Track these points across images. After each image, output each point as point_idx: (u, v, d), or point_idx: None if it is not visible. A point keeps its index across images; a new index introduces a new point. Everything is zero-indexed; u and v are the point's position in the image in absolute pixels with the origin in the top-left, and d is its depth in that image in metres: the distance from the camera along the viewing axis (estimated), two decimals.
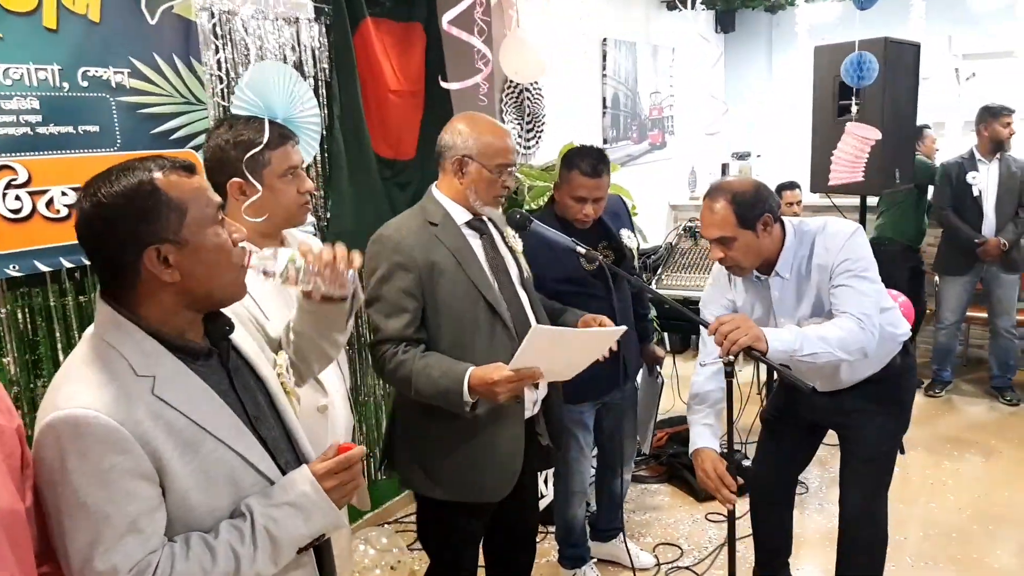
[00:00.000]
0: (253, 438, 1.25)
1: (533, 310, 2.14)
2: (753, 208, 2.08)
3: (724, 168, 6.40)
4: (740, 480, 2.24)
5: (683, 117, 6.14)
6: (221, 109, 2.64)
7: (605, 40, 4.94)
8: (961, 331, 5.08)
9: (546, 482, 3.37)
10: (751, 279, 2.25)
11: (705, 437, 2.26)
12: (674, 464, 3.80)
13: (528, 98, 3.85)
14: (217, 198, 1.24)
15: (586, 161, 2.51)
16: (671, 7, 5.68)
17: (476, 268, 2.01)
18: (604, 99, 4.99)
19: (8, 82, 2.11)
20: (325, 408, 1.95)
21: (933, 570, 3.03)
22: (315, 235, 2.82)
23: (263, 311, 1.74)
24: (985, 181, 4.54)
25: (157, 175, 1.16)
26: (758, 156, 6.50)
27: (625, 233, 2.78)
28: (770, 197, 2.14)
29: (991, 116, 4.50)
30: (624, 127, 5.29)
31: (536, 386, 2.05)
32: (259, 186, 1.72)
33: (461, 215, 2.05)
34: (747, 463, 3.77)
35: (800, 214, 4.97)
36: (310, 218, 2.86)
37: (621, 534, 3.11)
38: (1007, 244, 4.47)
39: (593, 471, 3.14)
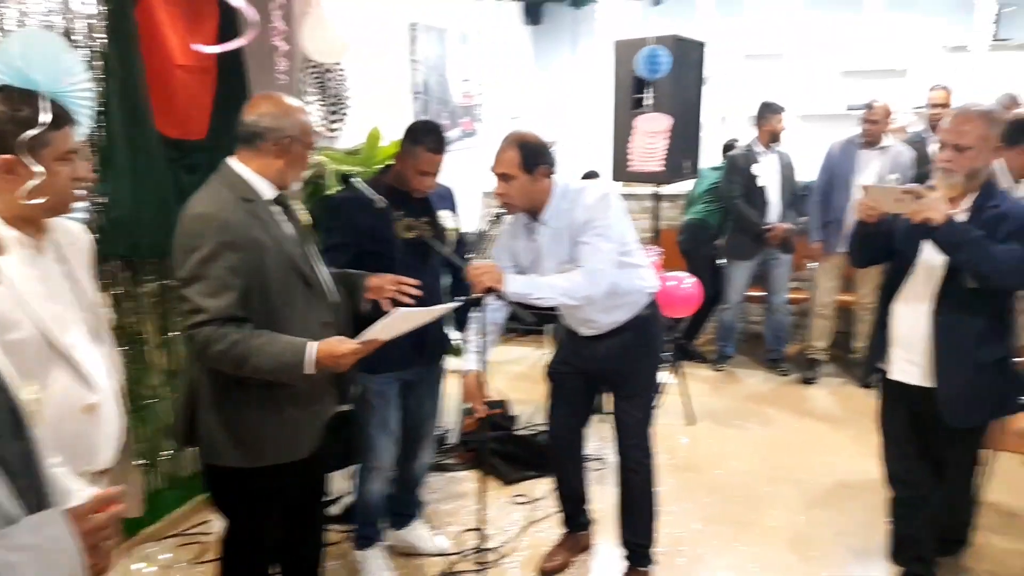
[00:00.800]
0: None
1: (326, 278, 2.21)
2: (535, 157, 2.49)
3: None
4: None
5: (492, 105, 6.23)
6: None
7: (414, 25, 4.89)
8: (742, 310, 5.56)
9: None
10: (527, 229, 2.64)
11: (472, 362, 2.69)
12: (482, 450, 3.86)
13: (331, 79, 3.72)
14: None
15: (431, 138, 2.65)
16: None
17: (290, 243, 2.07)
18: (414, 84, 4.94)
19: None
20: (93, 408, 1.76)
21: (718, 532, 3.30)
22: (86, 222, 2.56)
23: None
24: (767, 172, 4.98)
25: None
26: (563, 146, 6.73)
27: (445, 214, 2.82)
28: (550, 155, 2.55)
29: (771, 112, 4.95)
30: (435, 114, 5.27)
31: None
32: (40, 168, 1.61)
33: (268, 192, 2.06)
34: None
35: None
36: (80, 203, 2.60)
37: (416, 520, 3.14)
38: (792, 230, 4.93)
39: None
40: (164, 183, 2.94)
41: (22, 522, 1.08)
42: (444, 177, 2.81)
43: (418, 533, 3.15)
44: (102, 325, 1.86)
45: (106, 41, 2.72)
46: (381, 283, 2.28)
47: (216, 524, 3.10)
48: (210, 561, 2.97)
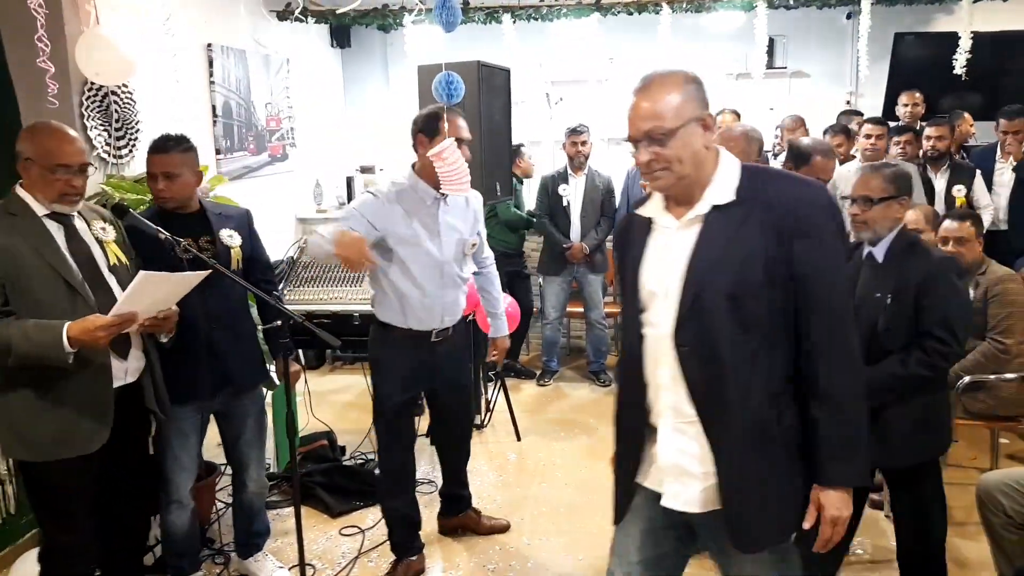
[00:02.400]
0: None
1: (124, 291, 2.29)
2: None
3: (349, 181, 6.45)
4: None
5: (304, 129, 6.07)
6: None
7: (210, 46, 4.66)
8: (564, 325, 5.74)
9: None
10: (429, 204, 2.84)
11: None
12: (307, 483, 3.71)
13: (116, 102, 3.45)
14: None
15: (156, 140, 2.64)
16: (282, 17, 5.57)
17: (54, 254, 2.26)
18: (214, 107, 4.70)
19: None
20: None
21: (546, 545, 3.35)
22: None
23: None
24: (573, 193, 5.21)
25: None
26: (381, 170, 6.67)
27: (225, 232, 2.74)
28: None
29: (567, 135, 5.22)
30: (240, 138, 5.05)
31: (125, 357, 2.37)
32: None
33: (40, 209, 2.29)
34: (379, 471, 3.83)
35: None
36: None
37: (259, 551, 3.10)
38: (588, 249, 5.18)
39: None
40: None
41: None
42: (244, 200, 2.76)
43: (261, 564, 3.09)
44: None
45: None
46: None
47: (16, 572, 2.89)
48: None
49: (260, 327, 2.94)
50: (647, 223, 1.75)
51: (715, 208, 1.63)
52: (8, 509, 3.10)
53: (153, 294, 2.25)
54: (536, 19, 5.67)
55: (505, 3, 5.62)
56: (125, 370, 2.39)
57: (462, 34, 3.50)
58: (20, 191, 2.29)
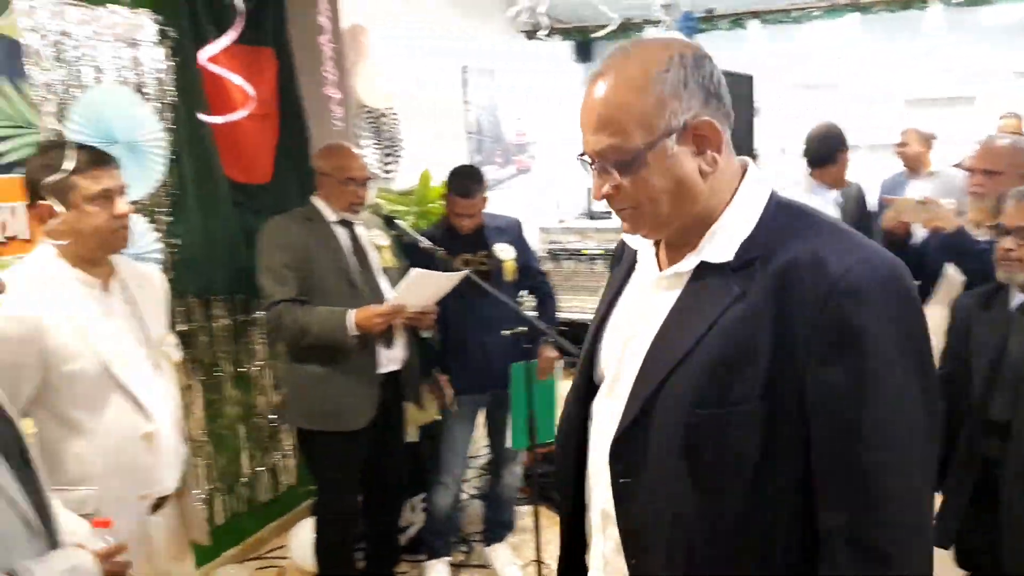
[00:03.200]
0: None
1: (393, 289, 2.64)
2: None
3: (589, 191, 6.60)
4: None
5: (547, 143, 6.33)
6: (55, 133, 2.52)
7: (466, 68, 5.04)
8: None
9: (413, 509, 3.37)
10: None
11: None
12: (546, 484, 3.82)
13: (385, 123, 3.89)
14: None
15: (458, 182, 2.92)
16: (530, 36, 5.88)
17: (339, 254, 2.64)
18: (467, 124, 5.09)
19: None
20: (150, 436, 1.84)
21: None
22: (160, 262, 2.72)
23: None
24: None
25: None
26: None
27: (499, 247, 2.97)
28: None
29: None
30: (489, 152, 5.40)
31: (389, 345, 2.65)
32: (62, 209, 1.73)
33: (331, 216, 2.68)
34: None
35: None
36: (156, 244, 2.77)
37: (500, 543, 3.25)
38: None
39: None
40: (231, 225, 3.10)
41: (56, 553, 1.26)
42: (508, 210, 3.01)
43: (498, 554, 3.26)
44: (163, 361, 1.96)
45: (175, 94, 2.91)
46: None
47: (293, 548, 3.23)
48: None
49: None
50: (633, 256, 1.20)
51: (705, 267, 1.04)
52: (290, 480, 3.58)
53: (421, 290, 2.55)
54: (785, 22, 5.46)
55: (752, 8, 5.48)
56: (389, 358, 2.68)
57: (702, 42, 3.49)
58: (316, 200, 2.70)
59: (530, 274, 3.11)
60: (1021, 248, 1.89)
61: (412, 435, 3.32)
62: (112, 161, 1.84)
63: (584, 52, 7.07)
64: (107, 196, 1.78)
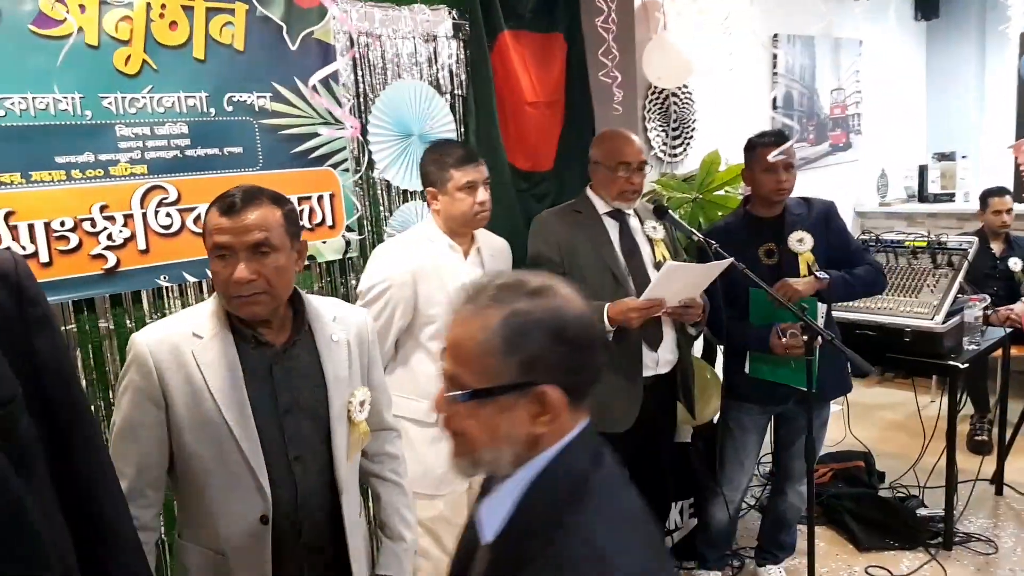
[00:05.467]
0: (252, 421, 1.51)
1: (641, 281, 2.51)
2: None
3: (922, 170, 5.77)
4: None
5: (873, 115, 5.60)
6: (359, 128, 2.74)
7: (776, 36, 4.61)
8: None
9: (681, 513, 3.21)
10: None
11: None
12: (835, 506, 3.44)
13: (675, 103, 3.67)
14: (257, 236, 1.47)
15: (766, 136, 2.71)
16: None
17: (606, 247, 2.54)
18: (774, 99, 4.66)
19: (161, 109, 2.32)
20: None
21: None
22: None
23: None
24: None
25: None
26: (963, 157, 5.79)
27: (795, 237, 2.66)
28: None
29: None
30: (801, 129, 4.91)
31: (655, 348, 2.52)
32: (446, 197, 2.28)
33: (602, 207, 2.59)
34: (924, 511, 3.38)
35: (1010, 224, 4.37)
36: None
37: (776, 565, 3.03)
38: None
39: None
40: (514, 211, 3.17)
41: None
42: (796, 193, 2.72)
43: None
44: None
45: (467, 86, 3.02)
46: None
47: None
48: None
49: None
50: None
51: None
52: None
53: (680, 282, 2.38)
54: None
55: None
56: (656, 360, 2.54)
57: None
58: (588, 192, 2.63)
59: (845, 262, 2.69)
60: None
61: (684, 436, 3.16)
62: (478, 158, 2.32)
63: (927, 9, 6.11)
64: (472, 187, 2.26)
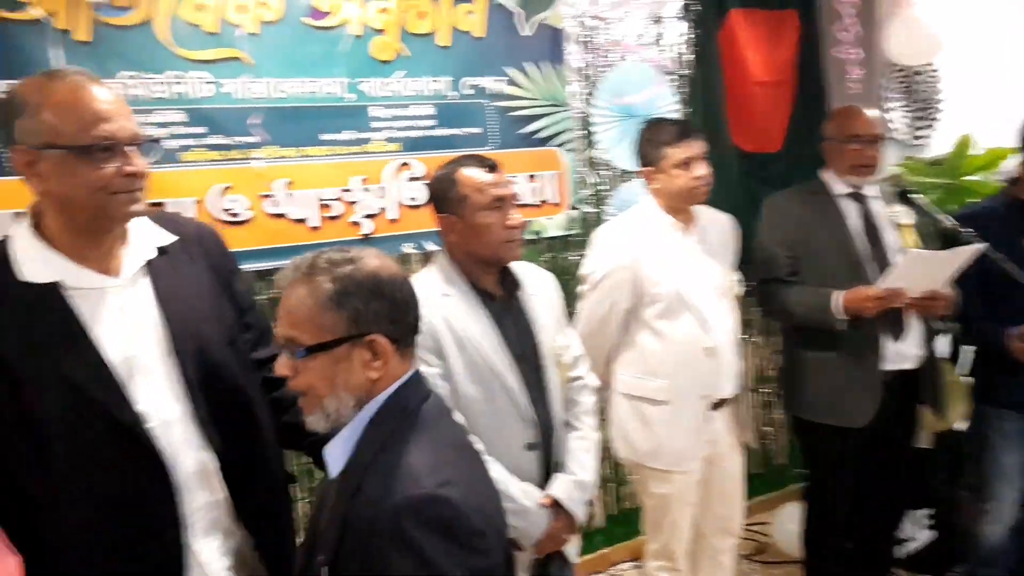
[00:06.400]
0: (512, 363, 1.72)
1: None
2: None
3: None
4: None
5: None
6: (583, 110, 2.85)
7: None
8: None
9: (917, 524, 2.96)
10: None
11: None
12: None
13: (920, 82, 3.40)
14: (500, 192, 1.70)
15: None
16: None
17: (841, 230, 2.39)
18: None
19: (411, 93, 2.55)
20: (712, 350, 2.21)
21: None
22: None
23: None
24: None
25: (459, 171, 1.72)
26: None
27: None
28: None
29: None
30: None
31: (897, 337, 2.33)
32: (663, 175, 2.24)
33: (838, 188, 2.45)
34: None
35: None
36: None
37: None
38: None
39: None
40: (736, 193, 3.10)
41: (525, 486, 1.71)
42: None
43: None
44: (726, 292, 2.31)
45: (693, 66, 3.02)
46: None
47: (775, 527, 3.19)
48: (763, 561, 3.15)
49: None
50: None
51: None
52: (781, 459, 3.47)
53: (923, 271, 2.20)
54: None
55: None
56: (900, 354, 2.36)
57: None
58: (823, 173, 2.51)
59: None
60: None
61: (925, 441, 2.91)
62: (694, 133, 2.25)
63: None
64: (688, 163, 2.20)
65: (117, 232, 1.35)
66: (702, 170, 2.23)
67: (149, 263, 1.38)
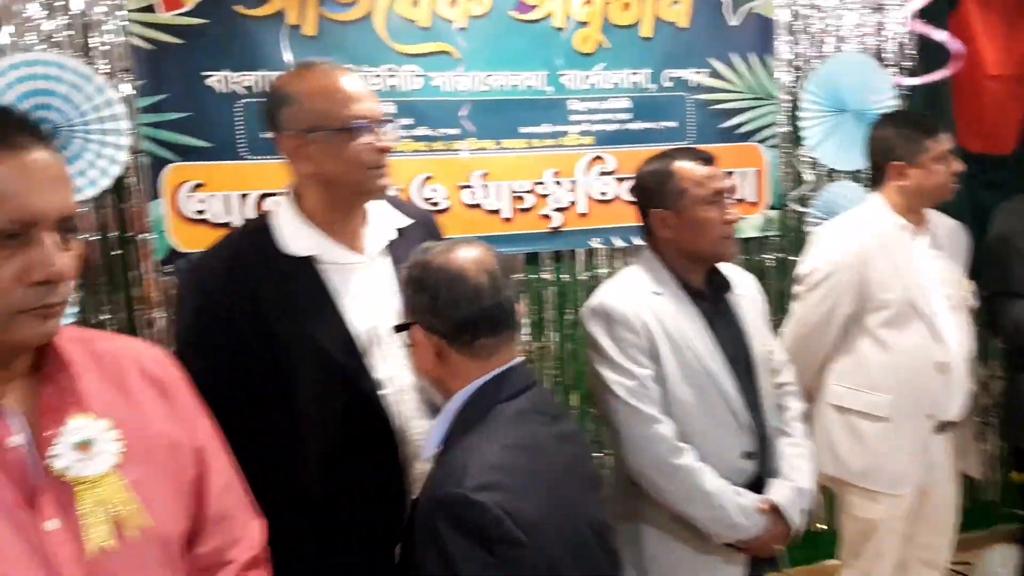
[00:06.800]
0: (726, 366, 1.64)
1: None
2: None
3: None
4: None
5: None
6: (790, 104, 2.69)
7: None
8: None
9: None
10: None
11: None
12: None
13: None
14: (719, 185, 1.63)
15: None
16: None
17: None
18: None
19: (609, 85, 2.52)
20: (943, 365, 2.04)
21: None
22: None
23: None
24: None
25: (675, 163, 1.65)
26: None
27: None
28: None
29: None
30: None
31: None
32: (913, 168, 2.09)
33: None
34: None
35: None
36: None
37: None
38: None
39: None
40: (960, 198, 2.81)
41: (742, 493, 1.61)
42: None
43: None
44: (960, 301, 2.15)
45: (916, 58, 2.76)
46: None
47: (978, 568, 2.92)
48: None
49: None
50: None
51: None
52: (991, 495, 3.13)
53: None
54: None
55: None
56: None
57: None
58: None
59: None
60: None
61: None
62: (942, 127, 2.12)
63: None
64: (947, 157, 2.09)
65: (359, 213, 1.46)
66: (959, 165, 2.11)
67: (391, 243, 1.48)
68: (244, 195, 2.21)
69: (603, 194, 2.56)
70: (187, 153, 2.15)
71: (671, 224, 1.65)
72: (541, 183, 2.49)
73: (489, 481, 1.09)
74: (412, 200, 2.34)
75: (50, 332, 0.85)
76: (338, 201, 1.42)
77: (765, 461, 1.69)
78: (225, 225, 2.19)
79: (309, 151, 1.38)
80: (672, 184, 1.63)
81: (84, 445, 0.86)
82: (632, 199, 1.76)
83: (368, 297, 1.43)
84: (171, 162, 2.14)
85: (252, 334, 1.36)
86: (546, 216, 2.51)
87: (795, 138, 2.72)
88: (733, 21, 2.59)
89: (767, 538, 1.63)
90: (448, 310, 1.20)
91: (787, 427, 1.76)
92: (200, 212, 2.18)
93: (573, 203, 2.54)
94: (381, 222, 1.50)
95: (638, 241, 2.56)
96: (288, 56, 2.19)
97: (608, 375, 1.61)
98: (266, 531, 1.10)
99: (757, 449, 1.66)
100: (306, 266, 1.39)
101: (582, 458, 1.32)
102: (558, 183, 2.51)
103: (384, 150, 1.39)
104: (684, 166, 1.64)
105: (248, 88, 2.19)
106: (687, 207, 1.62)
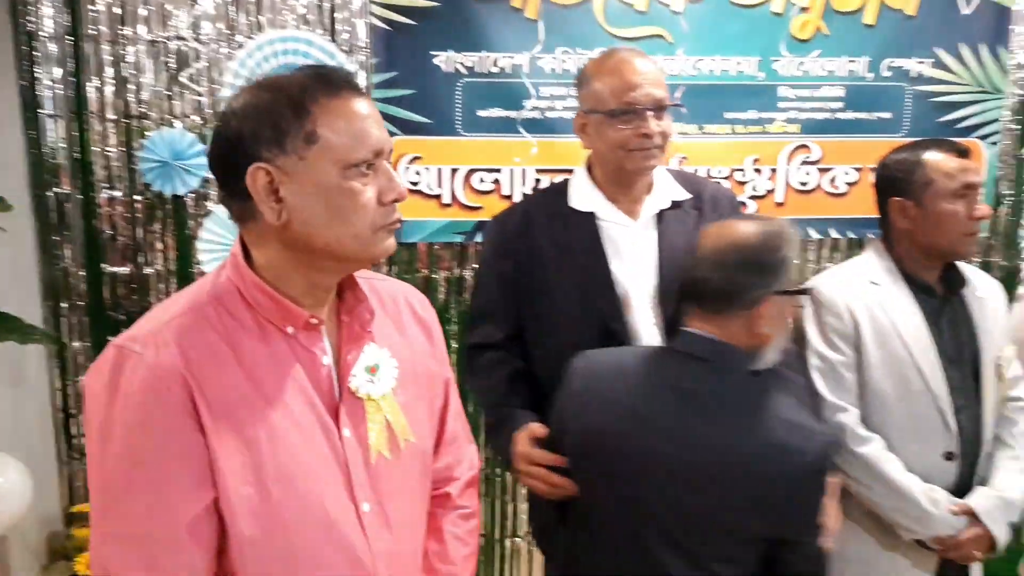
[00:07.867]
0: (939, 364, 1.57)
1: None
2: None
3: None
4: None
5: None
6: (1019, 99, 2.51)
7: None
8: None
9: None
10: None
11: None
12: None
13: None
14: (970, 179, 1.55)
15: None
16: None
17: None
18: None
19: (823, 73, 2.44)
20: None
21: None
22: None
23: None
24: None
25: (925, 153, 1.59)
26: None
27: None
28: None
29: None
30: None
31: None
32: None
33: None
34: None
35: None
36: None
37: None
38: None
39: None
40: None
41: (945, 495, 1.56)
42: None
43: None
44: None
45: None
46: None
47: None
48: None
49: None
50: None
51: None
52: None
53: None
54: None
55: None
56: None
57: None
58: None
59: None
60: None
61: None
62: None
63: None
64: None
65: (642, 183, 1.58)
66: None
67: (662, 213, 1.58)
68: (454, 169, 2.34)
69: (803, 184, 2.51)
70: (409, 127, 2.30)
71: (911, 215, 1.59)
72: (740, 170, 2.48)
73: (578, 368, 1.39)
74: None
75: (394, 246, 0.98)
76: (608, 174, 1.57)
77: (975, 469, 1.63)
78: (437, 197, 2.33)
79: (588, 130, 1.55)
80: (920, 174, 1.58)
81: (373, 368, 1.01)
82: (873, 186, 1.70)
83: (631, 258, 1.56)
84: (394, 135, 2.29)
85: (531, 275, 1.58)
86: (741, 204, 2.49)
87: (1020, 136, 2.54)
88: (966, 10, 2.43)
89: (963, 542, 1.57)
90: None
91: (1011, 439, 1.68)
92: (415, 184, 2.33)
93: (771, 191, 2.50)
94: (660, 193, 1.60)
95: (835, 234, 2.54)
96: (508, 37, 2.27)
97: (807, 356, 1.64)
98: (480, 459, 1.26)
99: (960, 452, 1.59)
100: (586, 220, 1.58)
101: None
102: (757, 171, 2.48)
103: (647, 135, 1.47)
104: (935, 157, 1.58)
105: (469, 68, 2.29)
106: (932, 199, 1.57)
